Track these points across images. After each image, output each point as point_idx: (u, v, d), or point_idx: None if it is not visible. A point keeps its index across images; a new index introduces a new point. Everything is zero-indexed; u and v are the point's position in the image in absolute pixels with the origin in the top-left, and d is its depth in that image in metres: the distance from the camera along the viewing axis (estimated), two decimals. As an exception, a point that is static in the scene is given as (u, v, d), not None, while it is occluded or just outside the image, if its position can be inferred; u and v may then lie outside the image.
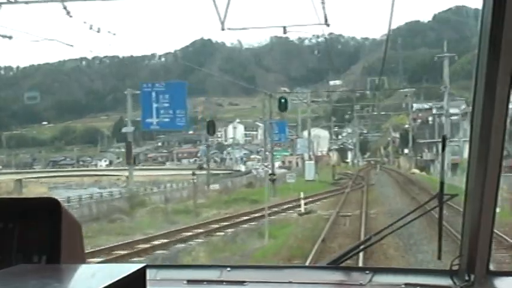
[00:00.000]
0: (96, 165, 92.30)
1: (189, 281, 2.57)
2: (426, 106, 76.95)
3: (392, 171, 64.61)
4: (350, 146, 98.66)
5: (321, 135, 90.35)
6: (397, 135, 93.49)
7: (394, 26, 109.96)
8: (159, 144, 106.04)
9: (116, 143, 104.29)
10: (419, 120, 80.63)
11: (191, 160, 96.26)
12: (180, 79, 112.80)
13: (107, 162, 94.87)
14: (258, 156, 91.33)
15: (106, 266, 1.66)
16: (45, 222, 1.85)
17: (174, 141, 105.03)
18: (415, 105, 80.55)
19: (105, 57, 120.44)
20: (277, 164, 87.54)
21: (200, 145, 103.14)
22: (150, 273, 1.76)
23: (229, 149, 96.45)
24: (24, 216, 1.86)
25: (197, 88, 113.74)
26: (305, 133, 79.23)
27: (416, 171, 59.72)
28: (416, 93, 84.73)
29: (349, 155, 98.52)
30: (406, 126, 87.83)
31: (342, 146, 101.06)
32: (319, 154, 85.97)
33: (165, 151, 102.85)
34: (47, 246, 1.83)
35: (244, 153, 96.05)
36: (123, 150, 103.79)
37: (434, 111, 77.94)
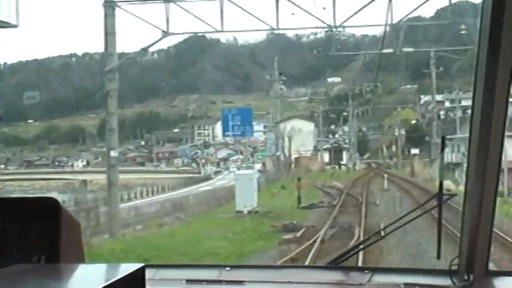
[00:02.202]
0: (72, 165, 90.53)
1: (188, 281, 2.63)
2: (437, 98, 67.81)
3: (409, 184, 40.12)
4: (346, 145, 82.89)
5: (303, 128, 72.13)
6: (403, 132, 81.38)
7: (394, 22, 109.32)
8: (142, 143, 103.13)
9: (101, 142, 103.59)
10: (428, 115, 72.12)
11: (185, 161, 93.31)
12: (173, 76, 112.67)
13: (84, 163, 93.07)
14: (241, 157, 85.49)
15: (105, 265, 1.72)
16: (45, 221, 1.89)
17: (158, 140, 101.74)
18: (424, 98, 72.33)
19: (95, 53, 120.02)
20: (257, 166, 69.93)
21: (181, 145, 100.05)
22: (149, 273, 1.82)
23: (211, 148, 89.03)
24: (23, 216, 1.91)
25: (190, 85, 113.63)
26: (283, 126, 64.65)
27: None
28: (419, 89, 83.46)
29: (345, 156, 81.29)
30: (413, 121, 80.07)
31: (336, 145, 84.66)
32: (298, 155, 66.31)
33: (145, 151, 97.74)
34: (46, 246, 1.88)
35: (228, 153, 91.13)
36: (105, 150, 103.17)
37: (447, 103, 71.47)
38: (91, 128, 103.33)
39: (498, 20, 2.07)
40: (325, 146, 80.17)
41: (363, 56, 68.36)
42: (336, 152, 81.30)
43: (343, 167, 73.14)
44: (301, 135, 68.86)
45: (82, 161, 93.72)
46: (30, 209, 1.91)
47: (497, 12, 2.06)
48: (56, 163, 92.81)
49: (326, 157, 79.13)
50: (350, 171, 63.72)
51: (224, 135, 59.92)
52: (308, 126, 74.77)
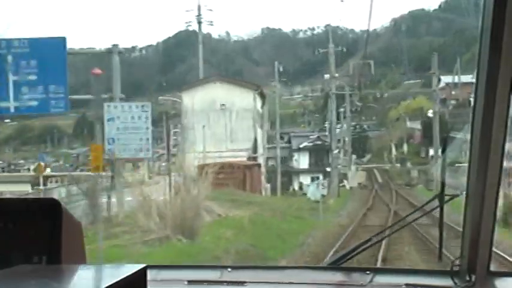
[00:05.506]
0: (29, 169, 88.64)
1: (190, 282, 2.74)
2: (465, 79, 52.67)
3: None
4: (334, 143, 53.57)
5: (232, 102, 39.63)
6: (417, 126, 64.32)
7: (397, 15, 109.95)
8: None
9: (76, 143, 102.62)
10: (453, 101, 60.17)
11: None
12: (162, 73, 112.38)
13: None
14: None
15: (106, 266, 1.81)
16: (46, 222, 1.97)
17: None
18: (444, 79, 58.84)
19: (80, 49, 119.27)
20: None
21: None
22: (150, 274, 1.91)
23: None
24: (24, 216, 1.99)
25: (180, 83, 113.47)
26: (189, 97, 40.37)
27: None
28: (424, 84, 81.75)
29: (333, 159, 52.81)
30: (430, 112, 61.14)
31: (318, 143, 58.16)
32: (217, 159, 30.37)
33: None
34: (47, 247, 1.95)
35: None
36: (72, 151, 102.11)
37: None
38: (66, 127, 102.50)
39: (500, 18, 2.16)
40: (302, 145, 57.03)
41: (362, 52, 67.14)
42: (318, 154, 56.16)
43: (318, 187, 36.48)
44: (225, 119, 38.80)
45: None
46: (31, 210, 2.00)
47: (499, 11, 2.15)
48: (12, 166, 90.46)
49: (305, 161, 55.46)
50: (328, 199, 32.09)
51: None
52: (243, 99, 39.00)
